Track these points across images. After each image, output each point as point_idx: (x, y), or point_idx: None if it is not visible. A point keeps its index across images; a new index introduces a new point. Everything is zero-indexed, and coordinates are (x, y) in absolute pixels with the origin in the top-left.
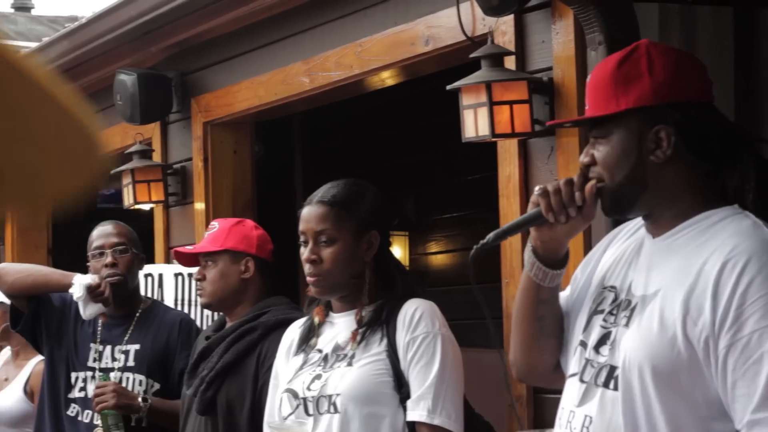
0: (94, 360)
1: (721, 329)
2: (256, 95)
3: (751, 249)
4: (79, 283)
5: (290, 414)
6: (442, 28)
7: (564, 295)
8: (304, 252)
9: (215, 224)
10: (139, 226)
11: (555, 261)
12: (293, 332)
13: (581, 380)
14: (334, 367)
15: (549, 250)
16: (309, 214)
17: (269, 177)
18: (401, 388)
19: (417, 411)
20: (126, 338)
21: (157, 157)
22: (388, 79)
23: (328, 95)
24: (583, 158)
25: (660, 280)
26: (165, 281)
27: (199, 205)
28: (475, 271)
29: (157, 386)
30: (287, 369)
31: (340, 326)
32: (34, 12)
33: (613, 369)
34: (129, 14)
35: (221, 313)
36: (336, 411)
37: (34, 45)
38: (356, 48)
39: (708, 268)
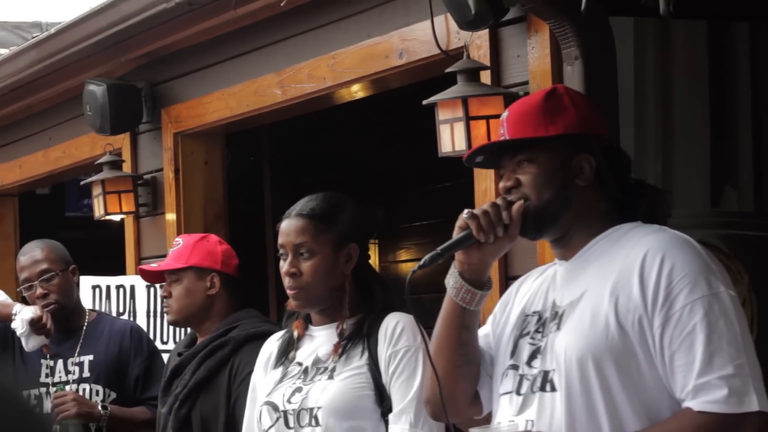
0: (47, 375)
1: (654, 309)
2: (228, 106)
3: (666, 241)
4: (21, 318)
5: (270, 427)
6: (416, 41)
7: (484, 332)
8: (284, 265)
9: (179, 240)
10: (110, 236)
11: (481, 283)
12: (271, 345)
13: (517, 394)
14: (315, 380)
15: (476, 272)
16: (288, 227)
17: (237, 184)
18: (383, 402)
19: (399, 425)
20: (78, 350)
21: (127, 168)
22: (360, 92)
23: (300, 107)
24: (506, 183)
25: (583, 285)
26: (137, 293)
27: (170, 216)
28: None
29: (113, 395)
30: (266, 382)
31: (320, 339)
32: None
33: (546, 373)
34: (99, 24)
35: (190, 329)
36: (317, 424)
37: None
38: (329, 60)
39: (629, 260)
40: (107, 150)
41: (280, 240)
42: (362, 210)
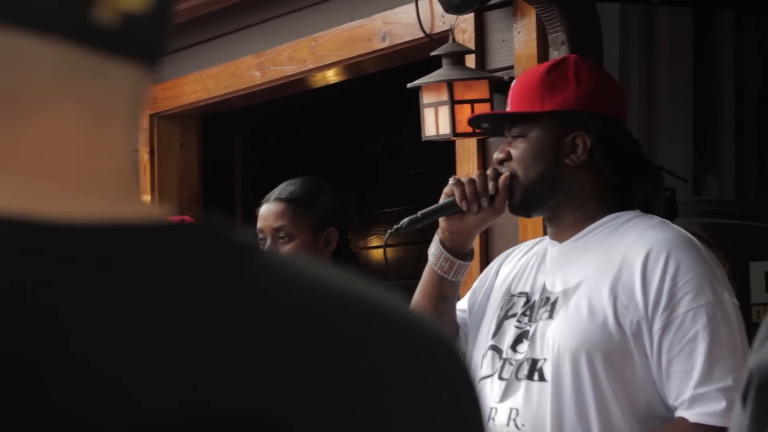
0: None
1: (654, 312)
2: (205, 88)
3: (670, 239)
4: None
5: None
6: (399, 25)
7: (460, 307)
8: None
9: None
10: None
11: (462, 253)
12: None
13: (500, 378)
14: None
15: (457, 241)
16: (267, 211)
17: (208, 168)
18: None
19: None
20: None
21: None
22: (340, 75)
23: (279, 89)
24: (498, 154)
25: (580, 274)
26: None
27: (145, 198)
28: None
29: None
30: None
31: None
32: None
33: (535, 362)
34: None
35: None
36: None
37: None
38: (310, 42)
39: (631, 257)
40: None
41: (259, 224)
42: (341, 195)
